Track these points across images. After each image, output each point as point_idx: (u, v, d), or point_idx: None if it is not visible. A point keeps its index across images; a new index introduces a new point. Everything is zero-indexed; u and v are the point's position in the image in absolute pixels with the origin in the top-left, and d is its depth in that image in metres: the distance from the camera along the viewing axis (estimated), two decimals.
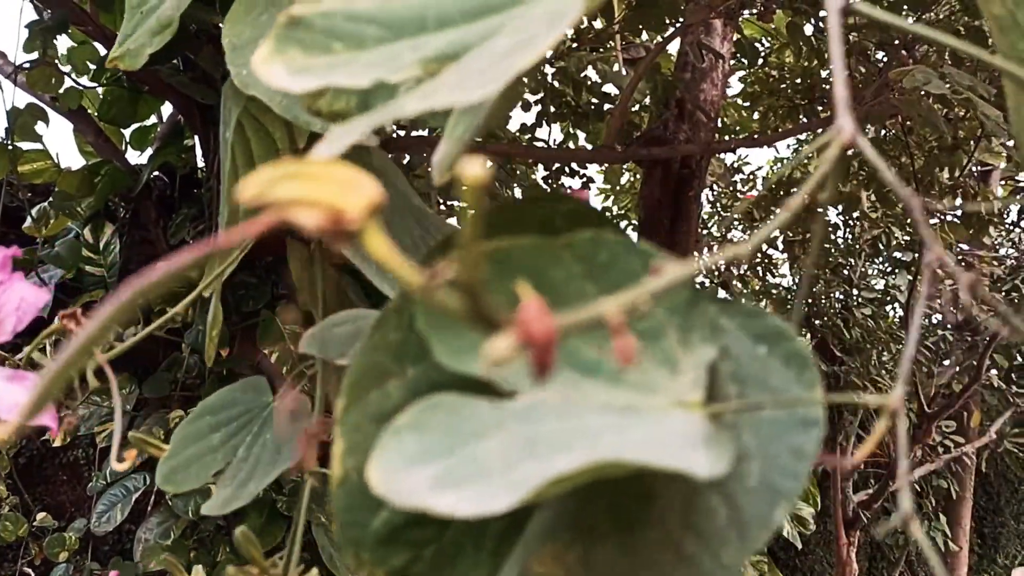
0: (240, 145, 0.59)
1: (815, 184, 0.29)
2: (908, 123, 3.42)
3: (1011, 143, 2.97)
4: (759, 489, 0.24)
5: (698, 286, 0.29)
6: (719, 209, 4.54)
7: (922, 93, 2.63)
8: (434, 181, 0.47)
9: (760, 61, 4.30)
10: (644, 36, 4.01)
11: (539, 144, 3.90)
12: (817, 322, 4.11)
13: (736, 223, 4.57)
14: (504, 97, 0.51)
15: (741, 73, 4.24)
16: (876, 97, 2.96)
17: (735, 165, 4.54)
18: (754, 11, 3.24)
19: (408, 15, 0.30)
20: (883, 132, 3.67)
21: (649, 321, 0.26)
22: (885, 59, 3.28)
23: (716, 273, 4.58)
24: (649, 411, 0.25)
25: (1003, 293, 4.25)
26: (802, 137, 4.52)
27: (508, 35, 0.28)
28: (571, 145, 4.26)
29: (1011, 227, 4.49)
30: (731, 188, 4.51)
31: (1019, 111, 0.34)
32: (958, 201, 3.73)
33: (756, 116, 4.05)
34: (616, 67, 4.14)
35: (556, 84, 3.73)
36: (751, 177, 4.51)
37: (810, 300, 4.10)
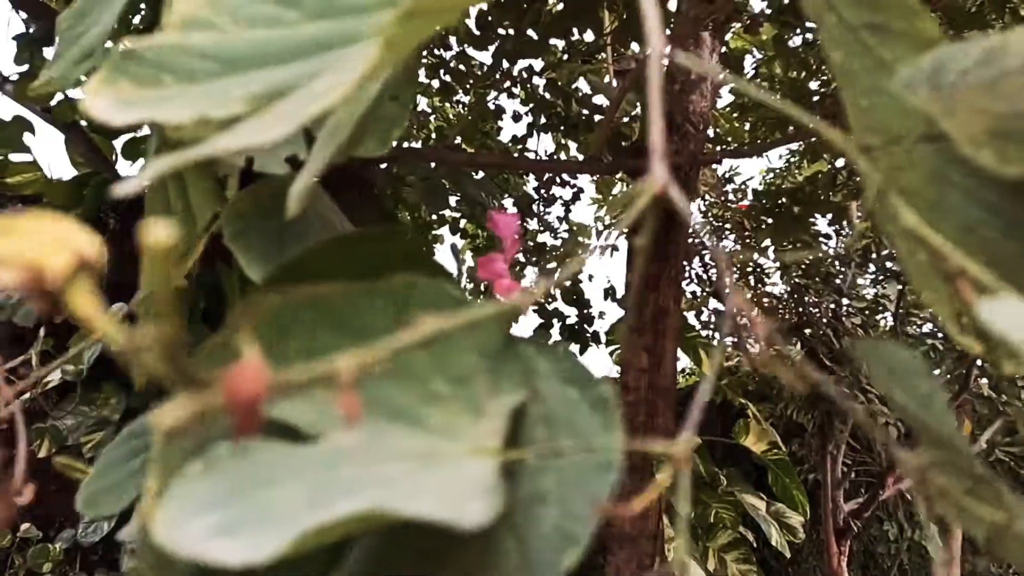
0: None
1: (626, 226, 0.30)
2: None
3: None
4: (552, 534, 0.25)
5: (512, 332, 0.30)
6: (711, 219, 4.55)
7: None
8: (289, 213, 0.48)
9: (752, 72, 4.32)
10: (635, 48, 4.02)
11: (530, 155, 3.92)
12: (807, 331, 4.11)
13: (728, 233, 4.57)
14: (368, 127, 0.52)
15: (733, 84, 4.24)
16: None
17: (726, 175, 4.55)
18: (741, 24, 3.25)
19: (244, 50, 0.31)
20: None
21: (460, 367, 0.27)
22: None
23: (708, 283, 4.58)
24: (448, 457, 0.25)
25: None
26: (793, 147, 4.52)
27: (329, 75, 0.29)
28: (562, 155, 4.28)
29: None
30: (723, 198, 4.52)
31: (865, 171, 0.35)
32: None
33: (746, 127, 4.06)
34: (607, 79, 4.17)
35: (547, 96, 3.75)
36: (743, 187, 4.52)
37: (800, 309, 4.10)
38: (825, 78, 3.73)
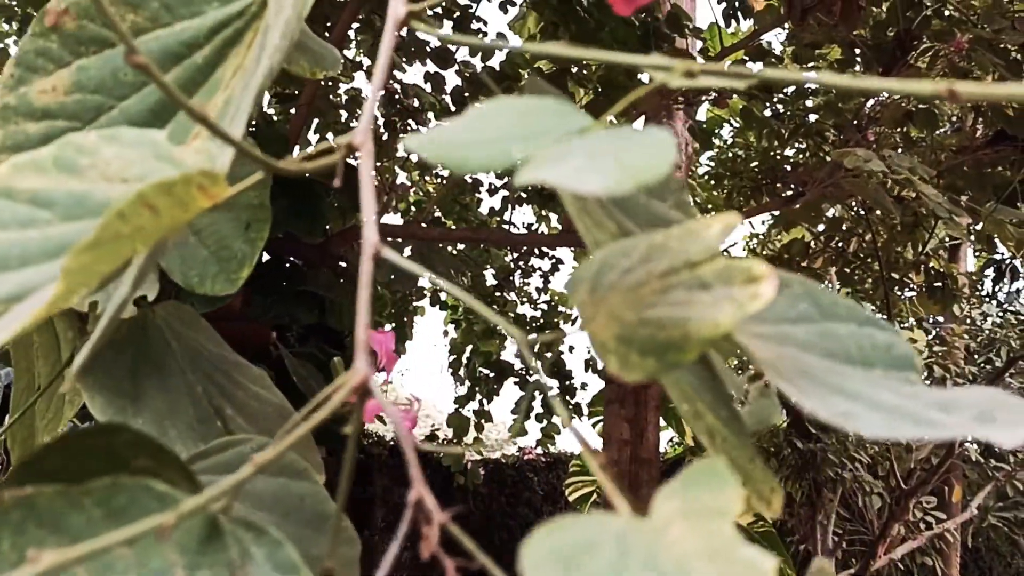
0: None
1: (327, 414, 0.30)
2: (869, 202, 3.46)
3: (965, 220, 3.00)
4: None
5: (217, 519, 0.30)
6: None
7: (871, 176, 2.67)
8: (63, 389, 0.48)
9: (729, 141, 4.37)
10: (612, 120, 4.08)
11: (509, 227, 3.96)
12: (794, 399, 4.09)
13: None
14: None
15: (711, 152, 4.31)
16: (829, 178, 3.00)
17: None
18: (709, 98, 3.31)
19: None
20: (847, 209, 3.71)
21: (159, 562, 0.27)
22: (840, 137, 3.34)
23: None
24: None
25: (978, 366, 4.23)
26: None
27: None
28: (543, 226, 4.31)
29: (986, 299, 4.50)
30: None
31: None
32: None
33: (723, 195, 4.09)
34: None
35: None
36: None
37: None
38: (799, 146, 3.77)
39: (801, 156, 3.81)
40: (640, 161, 0.25)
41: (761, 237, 4.75)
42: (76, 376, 0.51)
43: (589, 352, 4.19)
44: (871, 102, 3.29)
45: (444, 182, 4.16)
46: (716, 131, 4.43)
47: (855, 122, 3.25)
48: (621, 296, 0.26)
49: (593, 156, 0.25)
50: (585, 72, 3.27)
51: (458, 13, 3.19)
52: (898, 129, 3.29)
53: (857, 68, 3.36)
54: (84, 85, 0.38)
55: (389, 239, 3.17)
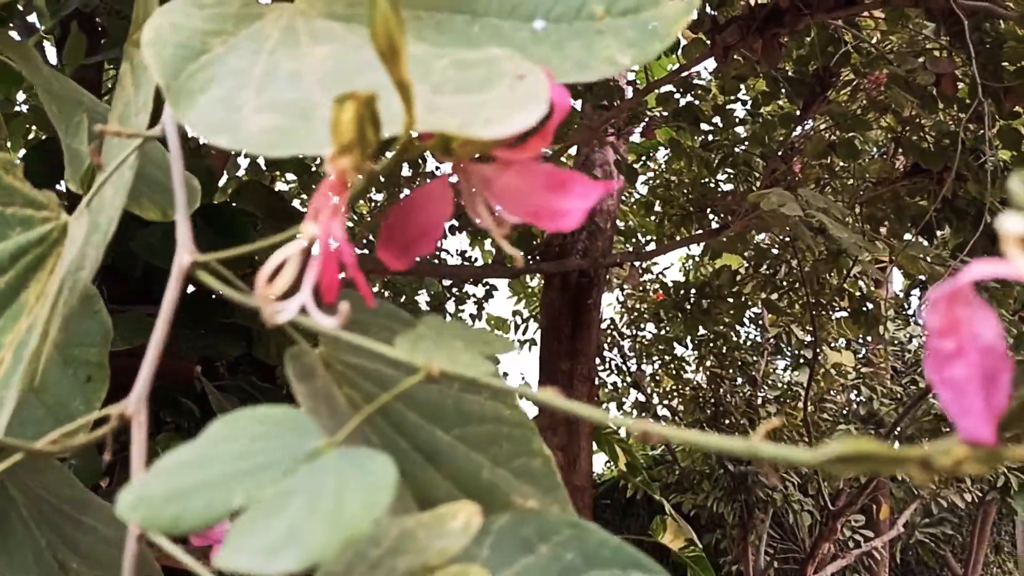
0: None
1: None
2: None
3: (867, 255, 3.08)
4: None
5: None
6: (629, 309, 4.60)
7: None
8: None
9: (663, 165, 4.42)
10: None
11: (443, 254, 3.95)
12: (726, 421, 4.15)
13: (646, 322, 4.62)
14: None
15: (647, 176, 4.36)
16: (753, 211, 3.05)
17: (642, 266, 4.61)
18: (638, 129, 3.34)
19: None
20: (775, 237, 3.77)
21: None
22: (765, 167, 3.39)
23: (628, 373, 4.61)
24: None
25: (903, 387, 4.34)
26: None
27: None
28: (478, 250, 4.32)
29: (912, 318, 4.62)
30: (640, 288, 4.58)
31: None
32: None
33: (654, 222, 4.14)
34: None
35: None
36: (660, 276, 4.59)
37: (714, 399, 4.14)
38: (729, 173, 3.83)
39: (732, 184, 3.87)
40: (356, 507, 0.25)
41: (696, 260, 4.81)
42: None
43: (523, 378, 4.20)
44: (796, 132, 3.36)
45: (378, 206, 4.14)
46: (651, 154, 4.48)
47: (780, 153, 3.32)
48: None
49: (312, 503, 0.25)
50: None
51: None
52: (822, 160, 3.36)
53: (782, 100, 3.43)
54: None
55: None
